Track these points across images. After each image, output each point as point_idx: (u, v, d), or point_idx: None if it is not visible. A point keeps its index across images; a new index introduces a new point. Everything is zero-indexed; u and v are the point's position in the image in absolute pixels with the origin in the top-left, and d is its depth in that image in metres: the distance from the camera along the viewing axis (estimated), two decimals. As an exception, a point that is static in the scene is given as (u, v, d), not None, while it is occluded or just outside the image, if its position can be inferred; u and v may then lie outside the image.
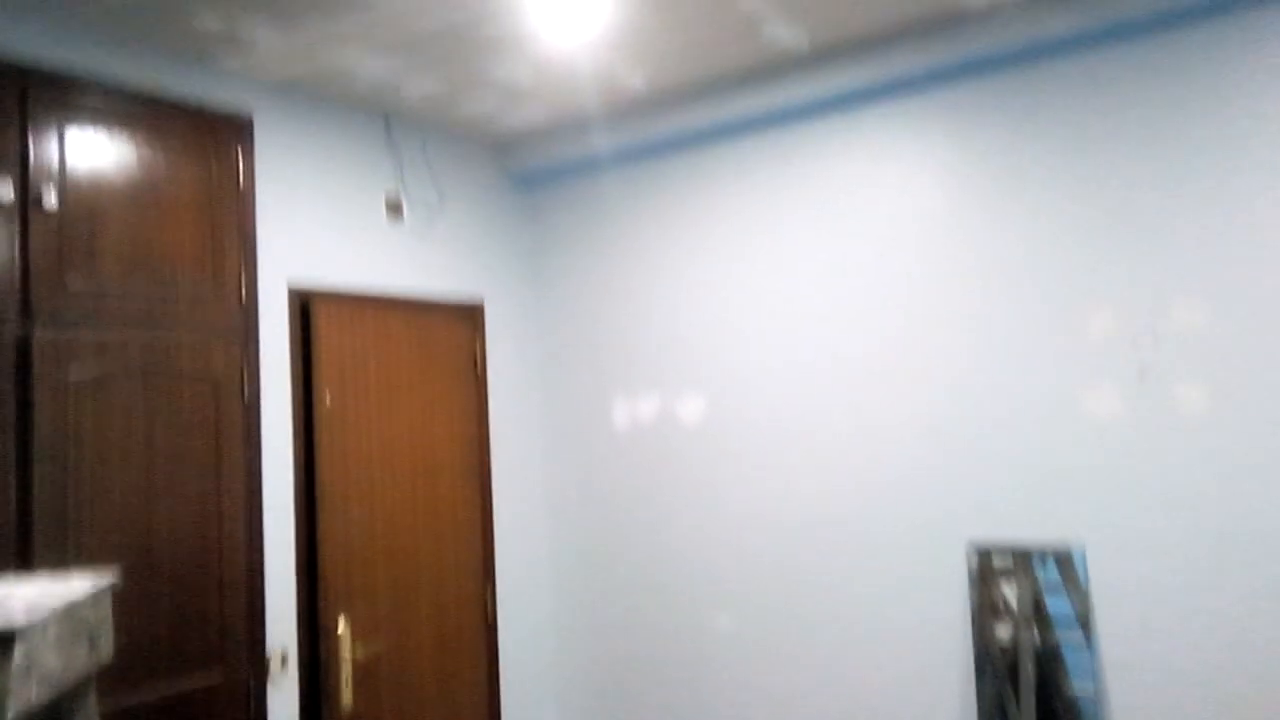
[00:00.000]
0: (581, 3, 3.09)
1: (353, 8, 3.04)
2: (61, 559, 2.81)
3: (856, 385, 3.74)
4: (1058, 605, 3.22)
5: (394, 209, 4.05)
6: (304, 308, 3.67)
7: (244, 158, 3.41)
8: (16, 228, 2.82)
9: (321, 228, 3.77)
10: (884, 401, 3.68)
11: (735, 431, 4.06)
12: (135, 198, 3.10)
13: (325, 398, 3.66)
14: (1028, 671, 3.23)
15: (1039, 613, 3.24)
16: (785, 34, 3.45)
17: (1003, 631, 3.30)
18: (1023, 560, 3.31)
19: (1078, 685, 3.15)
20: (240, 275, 3.35)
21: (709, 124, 4.01)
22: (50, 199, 2.89)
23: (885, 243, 3.70)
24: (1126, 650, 3.14)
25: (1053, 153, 3.35)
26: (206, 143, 3.31)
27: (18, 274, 2.82)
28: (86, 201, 2.98)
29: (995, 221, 3.46)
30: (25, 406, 2.79)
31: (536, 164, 4.52)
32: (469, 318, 4.38)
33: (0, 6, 2.90)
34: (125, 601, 2.83)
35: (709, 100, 3.94)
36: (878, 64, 3.55)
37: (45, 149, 2.90)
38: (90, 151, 3.00)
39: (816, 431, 3.84)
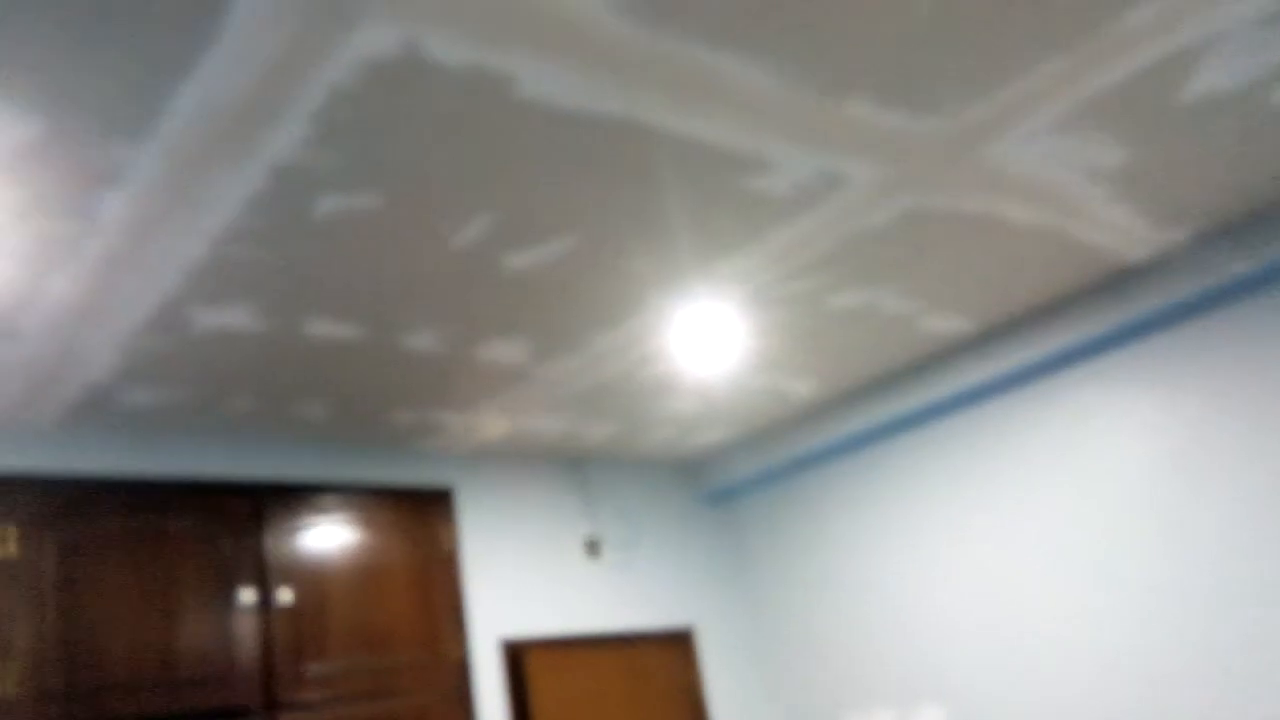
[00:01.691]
0: (718, 340, 3.25)
1: (519, 384, 3.36)
2: None
3: (1105, 676, 3.39)
4: None
5: (592, 548, 4.21)
6: (515, 659, 3.79)
7: (448, 525, 3.70)
8: (259, 627, 3.15)
9: (526, 578, 3.96)
10: (1142, 693, 3.30)
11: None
12: (356, 581, 3.39)
13: (545, 749, 3.68)
14: None
15: None
16: (944, 325, 3.49)
17: None
18: None
19: None
20: (453, 637, 3.53)
21: (891, 417, 3.99)
22: (286, 597, 3.21)
23: (1105, 512, 3.45)
24: None
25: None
26: (415, 519, 3.62)
27: (260, 668, 3.11)
28: (315, 592, 3.29)
29: (1223, 475, 3.18)
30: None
31: (725, 480, 4.62)
32: (680, 646, 4.36)
33: (236, 443, 3.40)
34: None
35: (884, 395, 3.97)
36: (1050, 335, 3.48)
37: (280, 552, 3.26)
38: (316, 547, 3.35)
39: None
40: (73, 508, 3.01)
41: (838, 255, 2.80)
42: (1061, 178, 2.56)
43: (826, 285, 2.99)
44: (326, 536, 3.40)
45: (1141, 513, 3.35)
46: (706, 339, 3.25)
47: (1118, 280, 3.28)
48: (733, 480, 4.61)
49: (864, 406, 4.04)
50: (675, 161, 2.24)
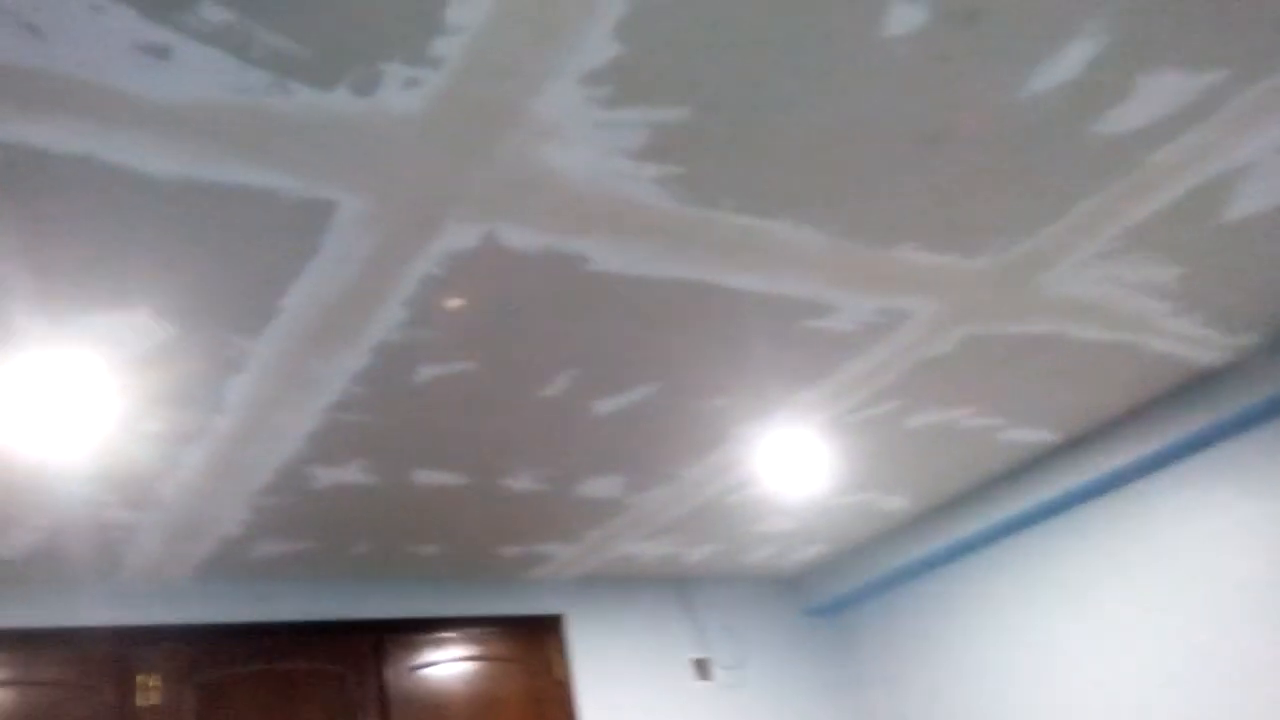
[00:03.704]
0: (804, 462, 3.34)
1: (616, 514, 3.51)
2: None
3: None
4: None
5: (701, 668, 4.27)
6: (629, 786, 3.85)
7: (560, 653, 3.83)
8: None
9: (638, 701, 4.02)
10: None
11: None
12: (474, 712, 3.54)
13: None
14: None
15: None
16: (1027, 436, 3.52)
17: None
18: None
19: None
20: (569, 765, 3.62)
21: (988, 525, 3.98)
22: (406, 732, 3.38)
23: (1210, 611, 3.37)
24: None
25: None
26: (527, 648, 3.77)
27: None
28: (434, 726, 3.44)
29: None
30: None
31: (829, 595, 4.63)
32: (793, 763, 4.35)
33: (356, 584, 3.62)
34: None
35: (979, 505, 3.97)
36: (1137, 440, 3.48)
37: (400, 687, 3.45)
38: (434, 680, 3.52)
39: None
40: (208, 654, 3.25)
41: (908, 382, 2.90)
42: (1120, 297, 2.62)
43: (902, 409, 3.09)
44: (444, 669, 3.56)
45: (1247, 609, 3.28)
46: (793, 462, 3.36)
47: (1199, 385, 3.29)
48: (836, 594, 4.62)
49: (960, 517, 4.05)
50: (740, 311, 2.40)
